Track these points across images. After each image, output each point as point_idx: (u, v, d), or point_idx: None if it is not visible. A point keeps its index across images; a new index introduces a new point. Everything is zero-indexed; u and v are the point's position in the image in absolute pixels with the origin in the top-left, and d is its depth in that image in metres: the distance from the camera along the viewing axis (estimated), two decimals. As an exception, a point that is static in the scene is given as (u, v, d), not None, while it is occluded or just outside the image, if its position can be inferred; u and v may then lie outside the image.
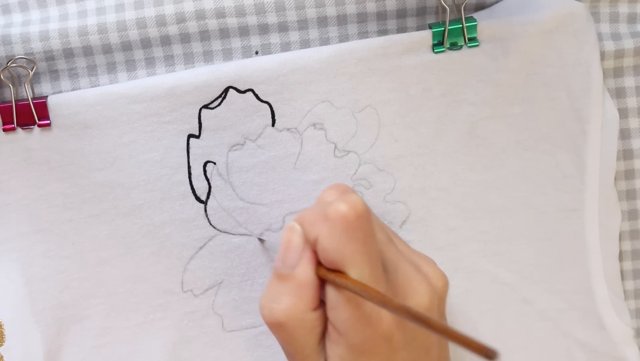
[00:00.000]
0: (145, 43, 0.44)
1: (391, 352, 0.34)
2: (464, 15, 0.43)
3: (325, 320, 0.36)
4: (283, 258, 0.35)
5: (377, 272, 0.34)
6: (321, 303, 0.36)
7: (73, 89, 0.45)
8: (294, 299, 0.35)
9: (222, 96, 0.43)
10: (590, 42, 0.44)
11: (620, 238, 0.47)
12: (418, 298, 0.35)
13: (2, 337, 0.43)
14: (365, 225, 0.34)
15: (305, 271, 0.35)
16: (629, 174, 0.46)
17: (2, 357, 0.43)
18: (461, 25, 0.43)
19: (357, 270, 0.33)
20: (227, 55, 0.45)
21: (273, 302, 0.35)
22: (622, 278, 0.47)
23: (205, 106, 0.43)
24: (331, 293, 0.34)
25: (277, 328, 0.35)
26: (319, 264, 0.35)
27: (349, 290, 0.33)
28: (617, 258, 0.46)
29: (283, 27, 0.44)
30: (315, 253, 0.35)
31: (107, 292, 0.44)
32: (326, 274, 0.34)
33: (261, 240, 0.44)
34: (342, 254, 0.33)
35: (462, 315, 0.45)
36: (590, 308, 0.45)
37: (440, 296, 0.36)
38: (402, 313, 0.31)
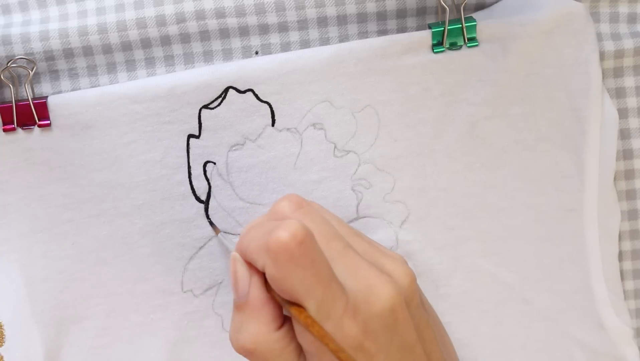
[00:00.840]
0: (145, 43, 0.44)
1: (368, 359, 0.34)
2: (464, 15, 0.43)
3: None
4: (234, 289, 0.36)
5: (332, 291, 0.33)
6: (288, 319, 0.36)
7: (73, 89, 0.45)
8: (254, 324, 0.35)
9: (222, 96, 0.43)
10: (589, 42, 0.44)
11: (620, 238, 0.47)
12: (381, 303, 0.34)
13: (2, 337, 0.43)
14: (310, 250, 0.33)
15: (257, 295, 0.35)
16: (628, 174, 0.46)
17: (2, 357, 0.43)
18: (460, 25, 0.43)
19: (309, 296, 0.33)
20: (227, 55, 0.45)
21: (237, 332, 0.35)
22: (622, 278, 0.47)
23: (205, 106, 0.43)
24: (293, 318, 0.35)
25: (249, 356, 0.35)
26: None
27: (299, 322, 0.33)
28: (617, 258, 0.46)
29: (283, 27, 0.44)
30: (263, 275, 0.35)
31: (107, 292, 0.44)
32: (281, 302, 0.35)
33: (212, 225, 0.43)
34: (290, 283, 0.33)
35: (461, 315, 0.45)
36: (590, 307, 0.45)
37: (407, 294, 0.36)
38: (340, 354, 0.32)
